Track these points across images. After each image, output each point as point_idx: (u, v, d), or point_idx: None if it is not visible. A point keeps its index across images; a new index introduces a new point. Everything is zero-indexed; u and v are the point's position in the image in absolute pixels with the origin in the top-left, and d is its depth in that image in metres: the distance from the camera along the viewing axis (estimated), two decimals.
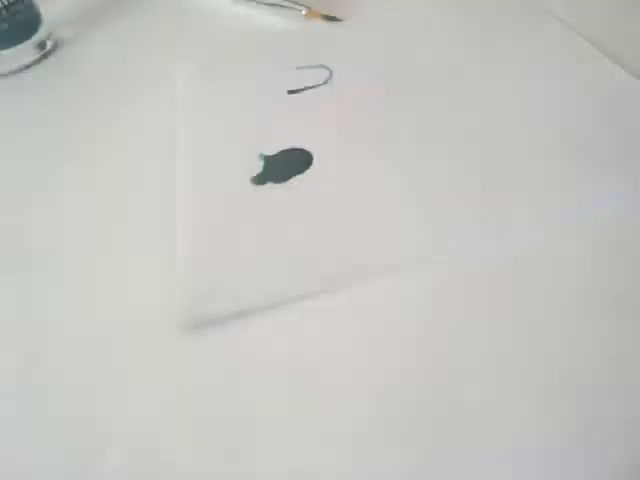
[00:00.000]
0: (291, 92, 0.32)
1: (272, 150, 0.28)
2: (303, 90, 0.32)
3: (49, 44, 0.38)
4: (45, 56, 0.38)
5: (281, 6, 0.39)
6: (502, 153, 0.26)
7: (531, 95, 0.30)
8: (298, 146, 0.28)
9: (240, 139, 0.29)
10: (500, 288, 0.21)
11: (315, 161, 0.27)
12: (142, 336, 0.21)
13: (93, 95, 0.34)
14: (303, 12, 0.38)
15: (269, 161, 0.27)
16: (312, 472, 0.17)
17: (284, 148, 0.28)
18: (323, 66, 0.33)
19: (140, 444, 0.18)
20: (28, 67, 0.37)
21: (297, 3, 0.39)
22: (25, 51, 0.36)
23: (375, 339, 0.20)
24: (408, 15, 0.38)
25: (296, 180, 0.26)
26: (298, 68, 0.33)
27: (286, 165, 0.27)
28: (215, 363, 0.20)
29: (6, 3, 0.34)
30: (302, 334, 0.20)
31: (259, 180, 0.26)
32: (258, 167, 0.27)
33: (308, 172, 0.26)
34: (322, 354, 0.20)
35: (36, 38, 0.37)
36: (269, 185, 0.26)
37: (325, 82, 0.32)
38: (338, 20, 0.38)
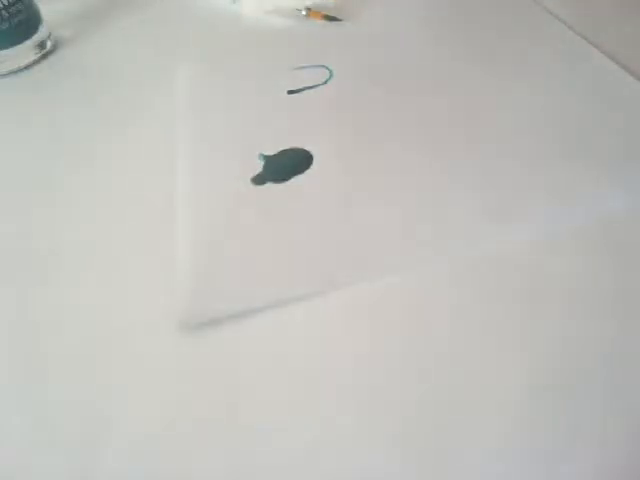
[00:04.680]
0: (291, 92, 0.32)
1: (272, 150, 0.28)
2: (303, 90, 0.32)
3: (49, 44, 0.38)
4: (45, 56, 0.38)
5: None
6: (502, 153, 0.26)
7: (531, 95, 0.30)
8: (298, 146, 0.28)
9: (240, 139, 0.29)
10: (500, 288, 0.21)
11: (315, 161, 0.27)
12: (142, 336, 0.21)
13: (93, 95, 0.34)
14: (303, 12, 0.38)
15: (269, 161, 0.27)
16: (312, 472, 0.17)
17: (284, 148, 0.28)
18: (323, 66, 0.33)
19: (140, 444, 0.18)
20: (28, 67, 0.37)
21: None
22: (25, 51, 0.36)
23: (375, 339, 0.20)
24: (408, 15, 0.38)
25: (296, 180, 0.26)
26: (298, 68, 0.33)
27: (286, 165, 0.27)
28: (215, 363, 0.20)
29: (6, 3, 0.34)
30: (302, 334, 0.20)
31: (259, 180, 0.26)
32: (258, 167, 0.27)
33: (308, 172, 0.26)
34: (322, 354, 0.20)
35: (36, 38, 0.37)
36: (269, 185, 0.26)
37: (325, 82, 0.32)
38: (338, 20, 0.38)
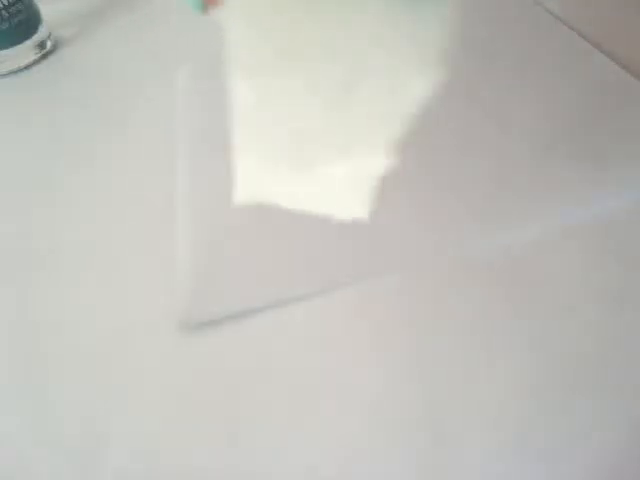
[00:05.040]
0: None
1: None
2: None
3: (49, 44, 0.38)
4: (45, 56, 0.38)
5: None
6: (502, 153, 0.26)
7: (531, 95, 0.30)
8: None
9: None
10: (499, 288, 0.21)
11: None
12: (142, 336, 0.21)
13: (93, 95, 0.34)
14: None
15: None
16: (312, 473, 0.17)
17: None
18: None
19: (140, 444, 0.18)
20: (28, 67, 0.37)
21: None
22: (25, 51, 0.36)
23: (375, 339, 0.20)
24: None
25: None
26: None
27: None
28: (215, 363, 0.20)
29: (6, 3, 0.34)
30: (302, 334, 0.20)
31: None
32: None
33: None
34: (322, 354, 0.20)
35: (36, 38, 0.37)
36: None
37: None
38: None
